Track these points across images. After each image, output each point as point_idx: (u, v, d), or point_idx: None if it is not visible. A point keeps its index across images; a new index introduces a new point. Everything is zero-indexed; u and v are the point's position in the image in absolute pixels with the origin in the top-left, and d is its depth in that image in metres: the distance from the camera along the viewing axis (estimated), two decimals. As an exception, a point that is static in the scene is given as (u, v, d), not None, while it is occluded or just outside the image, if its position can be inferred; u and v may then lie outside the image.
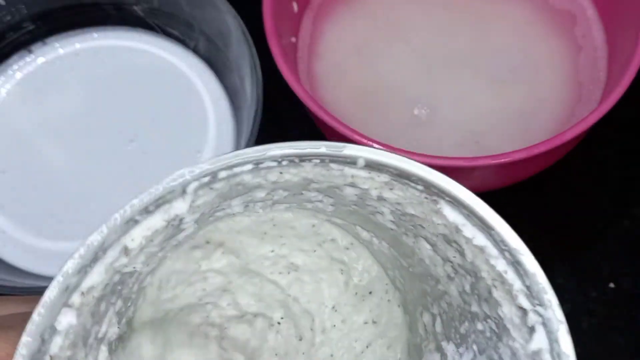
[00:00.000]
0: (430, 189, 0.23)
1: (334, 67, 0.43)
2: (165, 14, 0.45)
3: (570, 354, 0.22)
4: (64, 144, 0.43)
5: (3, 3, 0.42)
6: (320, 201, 0.29)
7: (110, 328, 0.27)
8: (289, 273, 0.33)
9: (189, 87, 0.44)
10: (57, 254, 0.40)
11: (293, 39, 0.43)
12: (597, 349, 0.39)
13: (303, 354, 0.32)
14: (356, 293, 0.33)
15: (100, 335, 0.26)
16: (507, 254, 0.23)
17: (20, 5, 0.43)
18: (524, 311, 0.23)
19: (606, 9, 0.42)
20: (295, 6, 0.43)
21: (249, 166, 0.23)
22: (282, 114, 0.43)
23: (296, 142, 0.23)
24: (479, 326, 0.26)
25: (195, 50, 0.45)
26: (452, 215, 0.24)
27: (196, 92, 0.44)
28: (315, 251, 0.33)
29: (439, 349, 0.29)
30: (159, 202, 0.23)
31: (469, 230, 0.23)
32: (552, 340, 0.22)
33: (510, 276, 0.23)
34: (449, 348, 0.29)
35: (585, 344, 0.39)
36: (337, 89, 0.42)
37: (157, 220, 0.23)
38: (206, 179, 0.23)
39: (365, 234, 0.32)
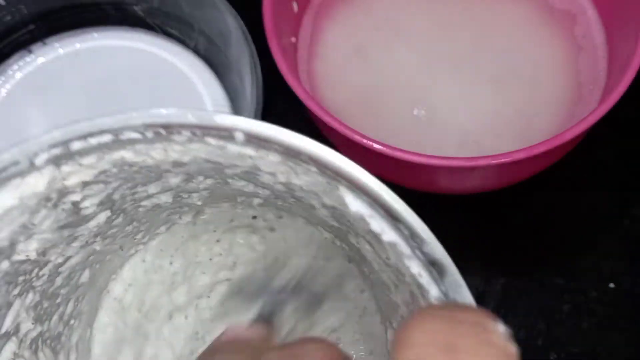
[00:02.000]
0: (325, 171, 0.19)
1: (334, 67, 0.43)
2: (165, 14, 0.45)
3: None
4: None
5: (3, 3, 0.42)
6: (257, 194, 0.25)
7: (22, 324, 0.25)
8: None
9: (189, 87, 0.44)
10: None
11: (293, 39, 0.43)
12: (597, 349, 0.39)
13: None
14: None
15: (4, 329, 0.24)
16: (417, 252, 0.19)
17: (20, 5, 0.43)
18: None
19: (606, 9, 0.42)
20: (295, 6, 0.43)
21: (109, 136, 0.21)
22: (282, 114, 0.43)
23: (161, 110, 0.21)
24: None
25: (195, 50, 0.45)
26: (354, 204, 0.19)
27: (196, 92, 0.44)
28: None
29: None
30: (2, 177, 0.20)
31: (376, 223, 0.19)
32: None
33: (425, 280, 0.19)
34: None
35: (585, 344, 0.39)
36: (337, 89, 0.42)
37: (6, 198, 0.21)
38: (57, 151, 0.21)
39: (328, 235, 0.30)
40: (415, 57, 0.42)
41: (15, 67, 0.44)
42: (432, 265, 0.19)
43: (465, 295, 0.19)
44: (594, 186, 0.44)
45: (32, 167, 0.21)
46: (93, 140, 0.21)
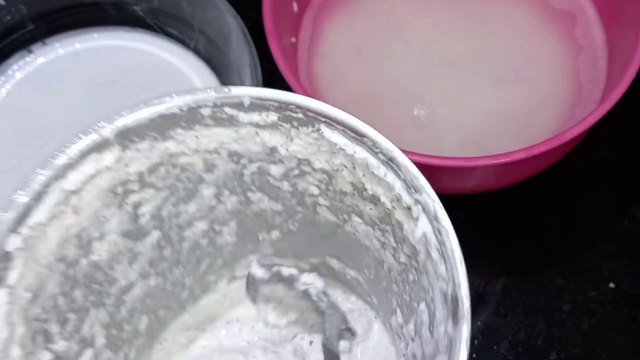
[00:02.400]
0: (307, 114, 0.25)
1: (334, 67, 0.43)
2: (165, 13, 0.45)
3: (447, 225, 0.23)
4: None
5: (3, 3, 0.42)
6: (275, 212, 0.31)
7: (97, 337, 0.28)
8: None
9: (189, 87, 0.44)
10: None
11: (293, 39, 0.43)
12: (597, 349, 0.39)
13: None
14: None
15: (83, 332, 0.27)
16: (381, 155, 0.25)
17: (20, 5, 0.43)
18: (408, 210, 0.25)
19: (606, 9, 0.42)
20: (295, 6, 0.43)
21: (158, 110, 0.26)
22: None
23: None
24: (410, 277, 0.27)
25: (195, 50, 0.45)
26: (333, 136, 0.26)
27: (196, 92, 0.44)
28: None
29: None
30: (84, 151, 0.25)
31: (351, 147, 0.25)
32: (432, 219, 0.24)
33: (390, 177, 0.25)
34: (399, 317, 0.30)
35: (585, 344, 0.39)
36: (337, 89, 0.42)
37: (88, 168, 0.25)
38: (122, 127, 0.25)
39: (336, 264, 0.33)
40: (415, 56, 0.42)
41: (15, 67, 0.44)
42: (391, 161, 0.25)
43: (418, 177, 0.24)
44: (594, 186, 0.44)
45: (108, 144, 0.25)
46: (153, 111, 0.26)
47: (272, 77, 0.37)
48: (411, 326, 0.27)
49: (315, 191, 0.29)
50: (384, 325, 0.33)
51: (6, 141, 0.43)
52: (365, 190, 0.27)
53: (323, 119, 0.25)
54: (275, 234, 0.33)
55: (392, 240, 0.27)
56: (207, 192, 0.29)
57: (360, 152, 0.25)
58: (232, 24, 0.40)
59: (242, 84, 0.41)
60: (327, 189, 0.29)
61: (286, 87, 0.36)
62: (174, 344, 0.34)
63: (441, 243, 0.24)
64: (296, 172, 0.29)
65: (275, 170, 0.29)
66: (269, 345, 0.33)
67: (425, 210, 0.24)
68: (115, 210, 0.27)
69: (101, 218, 0.27)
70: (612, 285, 0.41)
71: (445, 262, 0.23)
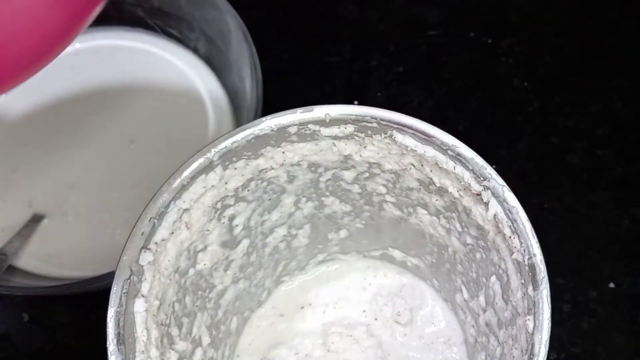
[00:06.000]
0: (380, 123, 0.29)
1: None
2: (165, 13, 0.45)
3: (516, 205, 0.27)
4: (64, 144, 0.43)
5: (3, 3, 0.42)
6: (345, 212, 0.34)
7: (203, 337, 0.32)
8: None
9: (189, 87, 0.45)
10: (54, 254, 0.40)
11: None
12: (597, 349, 0.39)
13: None
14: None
15: (194, 334, 0.31)
16: (449, 151, 0.28)
17: (20, 5, 0.43)
18: (477, 196, 0.28)
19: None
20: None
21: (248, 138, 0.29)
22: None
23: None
24: (477, 255, 0.31)
25: (195, 50, 0.45)
26: (404, 140, 0.29)
27: (196, 92, 0.44)
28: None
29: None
30: (195, 173, 0.28)
31: (421, 148, 0.29)
32: (501, 201, 0.27)
33: (459, 170, 0.28)
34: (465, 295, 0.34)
35: (585, 344, 0.39)
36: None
37: (198, 187, 0.29)
38: (224, 150, 0.28)
39: (398, 254, 0.37)
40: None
41: (15, 67, 0.44)
42: (459, 156, 0.28)
43: (485, 166, 0.28)
44: (594, 186, 0.44)
45: (211, 165, 0.29)
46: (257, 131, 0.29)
47: (272, 77, 0.37)
48: (481, 298, 0.32)
49: (383, 190, 0.32)
50: (445, 302, 0.37)
51: (6, 141, 0.43)
52: (433, 184, 0.30)
53: (395, 126, 0.29)
54: (343, 233, 0.36)
55: (457, 225, 0.31)
56: (288, 200, 0.33)
57: (430, 151, 0.29)
58: (232, 24, 0.40)
59: (242, 83, 0.41)
60: (394, 187, 0.32)
61: (286, 87, 0.36)
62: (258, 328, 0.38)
63: (513, 221, 0.27)
64: (366, 175, 0.32)
65: (348, 175, 0.32)
66: (343, 329, 0.37)
67: (494, 194, 0.27)
68: (215, 223, 0.31)
69: (205, 231, 0.30)
70: (612, 285, 0.41)
71: (518, 236, 0.27)
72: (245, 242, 0.33)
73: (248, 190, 0.31)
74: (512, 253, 0.27)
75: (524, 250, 0.27)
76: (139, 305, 0.27)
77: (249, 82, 0.39)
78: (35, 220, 0.41)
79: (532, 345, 0.26)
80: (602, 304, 0.40)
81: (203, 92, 0.44)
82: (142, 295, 0.27)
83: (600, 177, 0.44)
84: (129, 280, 0.27)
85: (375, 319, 0.37)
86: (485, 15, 0.49)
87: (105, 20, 0.45)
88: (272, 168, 0.31)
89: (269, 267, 0.36)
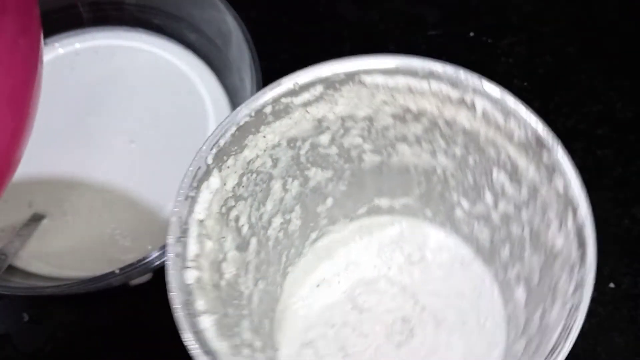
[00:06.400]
0: (347, 74, 0.29)
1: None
2: (165, 14, 0.45)
3: (499, 89, 0.28)
4: (64, 144, 0.43)
5: (3, 3, 0.42)
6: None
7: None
8: None
9: (189, 87, 0.45)
10: (54, 254, 0.40)
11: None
12: (597, 349, 0.39)
13: None
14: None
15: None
16: (420, 73, 0.28)
17: (20, 5, 0.43)
18: (461, 102, 0.28)
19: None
20: None
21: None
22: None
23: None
24: (470, 160, 0.31)
25: (195, 50, 0.45)
26: (373, 79, 0.29)
27: (196, 92, 0.44)
28: None
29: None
30: (199, 181, 0.28)
31: (391, 81, 0.29)
32: (485, 95, 0.28)
33: (435, 86, 0.29)
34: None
35: (585, 344, 0.39)
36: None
37: (206, 195, 0.29)
38: (215, 150, 0.29)
39: (384, 202, 0.37)
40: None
41: (15, 67, 0.44)
42: (430, 74, 0.28)
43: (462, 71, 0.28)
44: (594, 186, 0.44)
45: (209, 170, 0.29)
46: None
47: (272, 77, 0.37)
48: (487, 197, 0.32)
49: (360, 141, 0.32)
50: (443, 227, 0.37)
51: (6, 141, 0.43)
52: (409, 111, 0.30)
53: (362, 70, 0.29)
54: (329, 201, 0.36)
55: (441, 143, 0.31)
56: (277, 185, 0.33)
57: (401, 81, 0.29)
58: (232, 24, 0.40)
59: (242, 83, 0.41)
60: (369, 134, 0.32)
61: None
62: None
63: (502, 106, 0.28)
64: (341, 132, 0.32)
65: (324, 139, 0.32)
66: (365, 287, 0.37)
67: (476, 91, 0.28)
68: (226, 228, 0.30)
69: (221, 239, 0.30)
70: (612, 285, 0.41)
71: (513, 116, 0.28)
72: (253, 241, 0.33)
73: (242, 187, 0.31)
74: (511, 138, 0.28)
75: (524, 126, 0.27)
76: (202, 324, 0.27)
77: (249, 82, 0.39)
78: (35, 220, 0.41)
79: (571, 198, 0.28)
80: (602, 304, 0.40)
81: (203, 92, 0.44)
82: (198, 313, 0.27)
83: (600, 177, 0.44)
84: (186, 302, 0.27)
85: (389, 269, 0.37)
86: (485, 15, 0.49)
87: (105, 20, 0.45)
88: (258, 156, 0.31)
89: (276, 262, 0.36)
